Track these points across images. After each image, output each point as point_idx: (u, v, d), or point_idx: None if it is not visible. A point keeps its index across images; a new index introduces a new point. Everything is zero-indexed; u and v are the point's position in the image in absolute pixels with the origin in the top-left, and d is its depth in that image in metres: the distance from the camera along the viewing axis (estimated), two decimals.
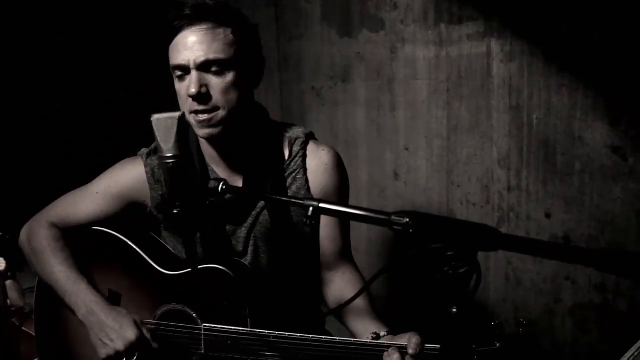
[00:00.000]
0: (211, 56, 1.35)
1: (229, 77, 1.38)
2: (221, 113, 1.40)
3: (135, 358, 1.47)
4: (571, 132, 2.11)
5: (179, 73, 1.40)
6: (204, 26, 1.36)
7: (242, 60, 1.41)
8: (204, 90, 1.36)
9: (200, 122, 1.40)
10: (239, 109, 1.43)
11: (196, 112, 1.40)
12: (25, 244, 1.63)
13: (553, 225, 2.22)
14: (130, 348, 1.43)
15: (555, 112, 2.14)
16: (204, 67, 1.36)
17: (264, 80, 1.56)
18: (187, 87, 1.38)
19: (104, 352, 1.45)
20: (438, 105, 2.49)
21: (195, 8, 1.36)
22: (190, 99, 1.38)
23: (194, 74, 1.36)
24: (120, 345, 1.42)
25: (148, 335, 1.46)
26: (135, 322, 1.45)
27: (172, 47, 1.40)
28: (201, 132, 1.42)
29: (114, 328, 1.44)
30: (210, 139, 1.45)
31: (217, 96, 1.38)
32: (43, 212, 1.64)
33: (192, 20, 1.36)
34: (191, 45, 1.35)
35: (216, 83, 1.37)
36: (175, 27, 1.37)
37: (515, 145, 2.28)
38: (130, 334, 1.42)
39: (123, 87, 3.20)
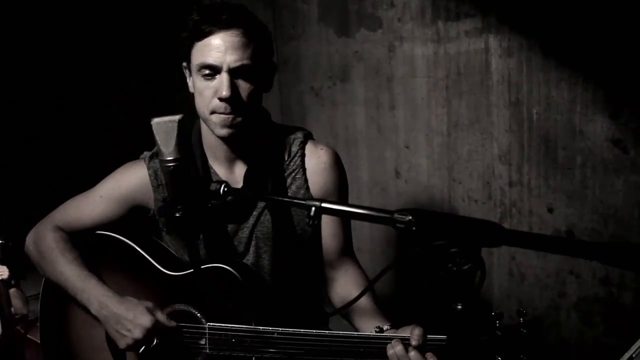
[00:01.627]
0: (245, 62, 1.39)
1: (255, 84, 1.43)
2: (242, 117, 1.43)
3: (154, 343, 1.47)
4: (571, 126, 2.11)
5: (206, 72, 1.41)
6: (238, 32, 1.39)
7: (264, 69, 1.47)
8: (235, 92, 1.40)
9: (222, 120, 1.42)
10: (255, 113, 1.48)
11: (220, 112, 1.41)
12: (32, 248, 1.64)
13: (556, 219, 2.21)
14: (148, 334, 1.44)
15: (555, 106, 2.14)
16: (236, 71, 1.39)
17: None
18: (214, 87, 1.40)
19: (123, 342, 1.47)
20: (437, 102, 2.49)
21: (231, 13, 1.39)
22: (217, 100, 1.40)
23: (225, 76, 1.38)
24: (138, 334, 1.44)
25: (163, 318, 1.47)
26: (148, 309, 1.47)
27: (200, 46, 1.41)
28: (221, 131, 1.44)
29: (128, 318, 1.45)
30: (226, 138, 1.47)
31: (244, 101, 1.42)
32: (48, 217, 1.65)
33: (227, 25, 1.39)
34: (225, 48, 1.38)
35: (244, 88, 1.41)
36: (204, 29, 1.39)
37: (515, 141, 2.27)
38: (146, 320, 1.44)
39: (125, 90, 3.20)
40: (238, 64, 1.38)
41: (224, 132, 1.44)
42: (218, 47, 1.38)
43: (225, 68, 1.38)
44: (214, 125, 1.44)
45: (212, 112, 1.42)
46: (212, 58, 1.39)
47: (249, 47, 1.40)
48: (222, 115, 1.41)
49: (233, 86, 1.39)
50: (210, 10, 1.40)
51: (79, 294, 1.53)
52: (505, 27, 2.22)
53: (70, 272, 1.55)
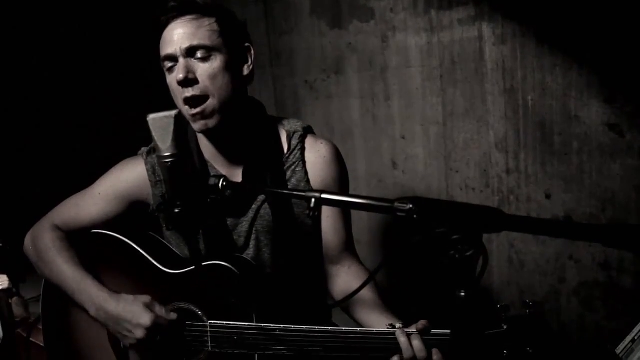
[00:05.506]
0: (195, 42, 1.39)
1: (215, 63, 1.41)
2: (212, 102, 1.41)
3: (158, 339, 1.46)
4: (567, 112, 2.11)
5: (168, 65, 1.43)
6: (189, 17, 1.41)
7: (228, 49, 1.44)
8: (191, 75, 1.39)
9: (193, 115, 1.42)
10: (231, 98, 1.44)
11: (189, 103, 1.41)
12: (30, 248, 1.63)
13: (554, 205, 2.22)
14: (149, 332, 1.43)
15: (550, 92, 2.13)
16: (190, 53, 1.40)
17: (257, 77, 1.57)
18: (176, 76, 1.40)
19: (127, 342, 1.47)
20: (432, 92, 2.49)
21: (180, 1, 1.41)
22: (180, 87, 1.40)
23: (181, 60, 1.40)
24: (139, 334, 1.43)
25: (162, 312, 1.45)
26: (146, 305, 1.45)
27: (161, 41, 1.44)
28: (196, 125, 1.44)
29: (127, 319, 1.44)
30: (206, 132, 1.45)
31: (205, 82, 1.40)
32: (47, 216, 1.64)
33: (178, 13, 1.41)
34: (177, 35, 1.40)
35: (203, 69, 1.40)
36: (162, 21, 1.41)
37: (511, 128, 2.27)
38: (145, 319, 1.42)
39: (121, 88, 3.17)
40: (187, 44, 1.38)
41: (198, 126, 1.43)
42: (172, 36, 1.40)
43: (178, 53, 1.39)
44: (190, 121, 1.44)
45: (184, 104, 1.41)
46: (168, 49, 1.40)
47: (202, 27, 1.40)
48: (191, 109, 1.40)
49: (189, 68, 1.39)
50: (165, 4, 1.42)
51: (76, 295, 1.53)
52: (498, 15, 2.21)
53: (66, 273, 1.54)
